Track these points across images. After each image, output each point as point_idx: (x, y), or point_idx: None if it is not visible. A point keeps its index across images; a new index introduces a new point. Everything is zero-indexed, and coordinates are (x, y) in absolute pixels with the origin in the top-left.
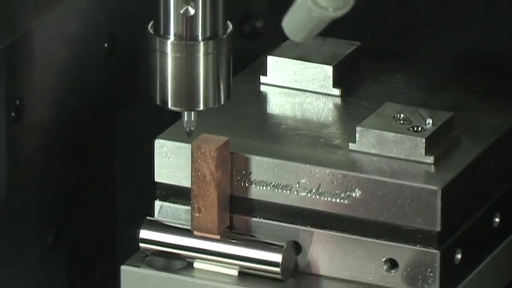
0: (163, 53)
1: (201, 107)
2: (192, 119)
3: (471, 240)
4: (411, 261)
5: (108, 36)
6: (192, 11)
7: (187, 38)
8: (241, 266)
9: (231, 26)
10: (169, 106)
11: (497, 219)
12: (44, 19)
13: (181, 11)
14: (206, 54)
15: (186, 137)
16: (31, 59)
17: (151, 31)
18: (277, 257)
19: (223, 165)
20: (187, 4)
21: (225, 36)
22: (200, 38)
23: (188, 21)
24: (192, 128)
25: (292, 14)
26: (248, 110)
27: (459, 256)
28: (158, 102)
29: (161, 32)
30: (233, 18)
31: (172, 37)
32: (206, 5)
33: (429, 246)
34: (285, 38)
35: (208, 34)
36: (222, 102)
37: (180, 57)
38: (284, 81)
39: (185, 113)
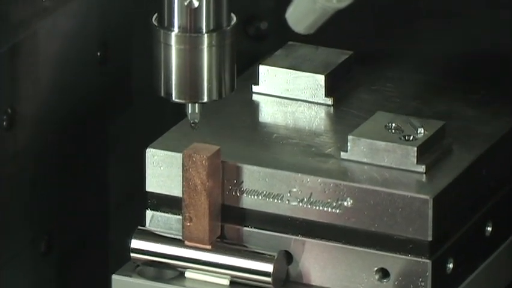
0: (167, 45)
1: (205, 99)
2: (196, 111)
3: (463, 250)
4: (403, 271)
5: (101, 44)
6: (196, 3)
7: (191, 30)
8: (232, 276)
9: (235, 19)
10: (173, 98)
11: (489, 228)
12: (35, 29)
13: (185, 3)
14: (210, 46)
15: (178, 145)
16: (23, 67)
17: (155, 23)
18: (268, 267)
19: (215, 175)
20: None
21: (228, 28)
22: (204, 30)
23: (193, 14)
24: (196, 120)
25: (296, 5)
26: (240, 119)
27: (451, 265)
28: (162, 94)
29: (166, 24)
30: (238, 20)
31: (176, 29)
32: None
33: (421, 255)
34: (289, 39)
35: (212, 26)
36: (226, 94)
37: (184, 49)
38: (276, 91)
39: (189, 105)
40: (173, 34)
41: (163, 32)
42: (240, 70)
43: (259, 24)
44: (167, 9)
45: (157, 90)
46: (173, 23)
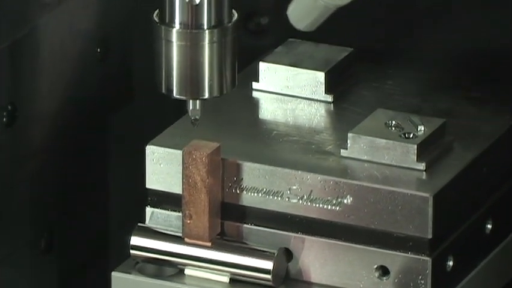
0: (169, 41)
1: (206, 96)
2: (197, 107)
3: (463, 247)
4: (403, 269)
5: (100, 41)
6: (197, 0)
7: (192, 27)
8: (232, 273)
9: (236, 15)
10: (174, 94)
11: (489, 226)
12: (35, 26)
13: (187, 0)
14: (211, 42)
15: (178, 142)
16: (23, 64)
17: (157, 19)
18: (268, 264)
19: (215, 172)
20: None
21: (230, 24)
22: (205, 27)
23: (194, 10)
24: (197, 117)
25: (297, 2)
26: (240, 115)
27: (451, 263)
28: (163, 90)
29: (167, 21)
30: (239, 15)
31: (177, 25)
32: None
33: (421, 253)
34: (290, 34)
35: (213, 22)
36: (227, 90)
37: (185, 45)
38: (276, 88)
39: (191, 101)
40: (174, 30)
41: (164, 28)
42: (241, 65)
43: (259, 19)
44: (169, 6)
45: (158, 86)
46: (175, 19)
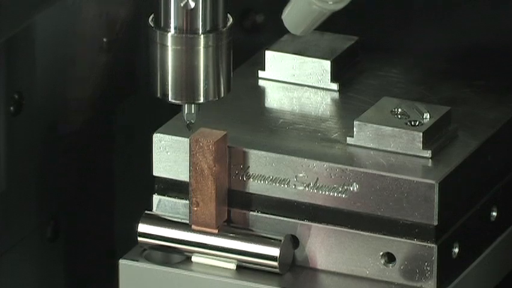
0: (164, 46)
1: (201, 100)
2: (192, 111)
3: (468, 234)
4: (409, 255)
5: (106, 31)
6: (192, 4)
7: (187, 31)
8: (239, 260)
9: (231, 20)
10: (170, 99)
11: (494, 213)
12: (42, 14)
13: (182, 4)
14: (206, 47)
15: (185, 130)
16: (30, 53)
17: (152, 24)
18: (275, 251)
19: (221, 159)
20: None
21: (225, 29)
22: (200, 31)
23: (189, 14)
24: (192, 121)
25: (292, 6)
26: (246, 104)
27: (456, 250)
28: (158, 95)
29: (162, 25)
30: (234, 12)
31: (172, 30)
32: None
33: (427, 240)
34: (285, 32)
35: (208, 27)
36: (222, 95)
37: (180, 49)
38: (282, 76)
39: (186, 105)
40: (169, 35)
41: (159, 33)
42: (236, 63)
43: (255, 17)
44: (164, 10)
45: (154, 90)
46: (170, 23)
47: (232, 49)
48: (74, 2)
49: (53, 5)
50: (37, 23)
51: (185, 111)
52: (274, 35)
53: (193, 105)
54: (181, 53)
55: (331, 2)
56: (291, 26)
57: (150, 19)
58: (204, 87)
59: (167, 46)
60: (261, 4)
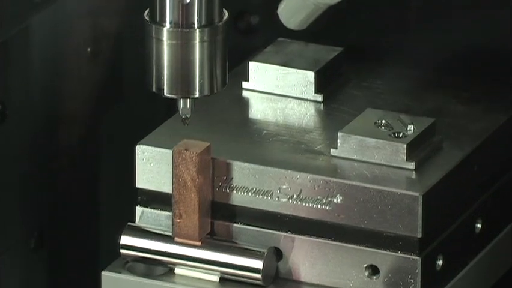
0: (159, 40)
1: (197, 94)
2: (188, 106)
3: (453, 246)
4: (393, 268)
5: (91, 40)
6: None
7: (183, 25)
8: (222, 272)
9: (226, 14)
10: (165, 93)
11: (479, 225)
12: (26, 25)
13: None
14: (202, 41)
15: (168, 142)
16: (13, 63)
17: (147, 18)
18: (258, 263)
19: (205, 171)
20: None
21: (220, 24)
22: (196, 26)
23: (184, 9)
24: (187, 115)
25: (287, 1)
26: (230, 115)
27: (440, 262)
28: (154, 89)
29: (158, 19)
30: (228, 14)
31: (168, 24)
32: None
33: (411, 252)
34: (280, 34)
35: (203, 22)
36: (217, 89)
37: (176, 44)
38: (266, 87)
39: (181, 100)
40: (165, 29)
41: (155, 27)
42: (231, 65)
43: (249, 19)
44: (159, 5)
45: (149, 85)
46: (165, 18)
47: (227, 44)
48: (59, 12)
49: (37, 15)
50: (19, 35)
51: (181, 106)
52: (269, 36)
53: (188, 100)
54: (176, 47)
55: None
56: (287, 20)
57: (146, 13)
58: (199, 81)
59: (163, 40)
60: (255, 6)
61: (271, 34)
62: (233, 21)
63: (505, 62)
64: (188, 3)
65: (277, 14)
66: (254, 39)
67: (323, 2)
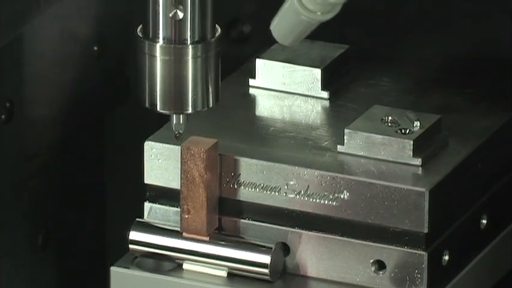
0: (152, 56)
1: (190, 110)
2: (181, 121)
3: (458, 242)
4: (399, 263)
5: (98, 39)
6: (180, 15)
7: (175, 41)
8: (230, 267)
9: (219, 30)
10: (158, 109)
11: (484, 221)
12: (33, 23)
13: (170, 15)
14: (195, 57)
15: (175, 139)
16: (21, 61)
17: (140, 34)
18: (265, 259)
19: (212, 167)
20: (176, 8)
21: (213, 39)
22: (189, 42)
23: (177, 25)
24: (180, 131)
25: (280, 17)
26: (237, 112)
27: (446, 257)
28: (147, 105)
29: (151, 35)
30: (221, 22)
31: (161, 40)
32: (195, 9)
33: (417, 247)
34: (272, 42)
35: (196, 37)
36: (211, 105)
37: (169, 60)
38: (273, 84)
39: (174, 116)
40: (158, 45)
41: (148, 43)
42: (223, 73)
43: (242, 27)
44: (152, 21)
45: (142, 100)
46: (158, 34)
47: (220, 59)
48: (66, 10)
49: (42, 15)
50: (27, 33)
51: (174, 122)
52: (261, 45)
53: (181, 116)
54: (169, 63)
55: (319, 13)
56: (280, 37)
57: (138, 29)
58: (192, 97)
59: (156, 56)
60: (248, 14)
61: (263, 43)
62: (225, 30)
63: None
64: (181, 19)
65: (269, 23)
66: (246, 48)
67: (316, 19)
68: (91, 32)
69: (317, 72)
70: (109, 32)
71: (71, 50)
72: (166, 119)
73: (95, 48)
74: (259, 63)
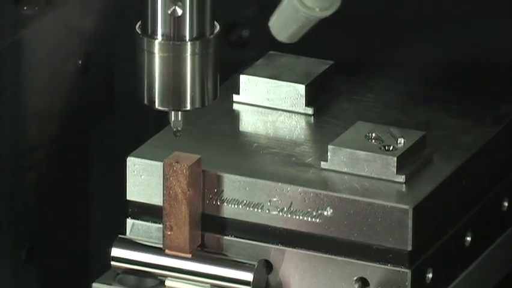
0: (151, 53)
1: (188, 107)
2: (179, 118)
3: (443, 259)
4: (383, 281)
5: (82, 53)
6: (179, 12)
7: (174, 38)
8: (212, 285)
9: (218, 27)
10: (156, 106)
11: (468, 238)
12: (16, 37)
13: (169, 12)
14: (193, 54)
15: (159, 154)
16: (3, 76)
17: (139, 31)
18: (248, 276)
19: (195, 184)
20: (175, 4)
21: (212, 36)
22: (187, 38)
23: (176, 22)
24: (178, 128)
25: (278, 13)
26: (220, 128)
27: (430, 275)
28: (145, 101)
29: (149, 32)
30: (220, 27)
31: (159, 37)
32: (193, 6)
33: (401, 265)
34: (271, 47)
35: (195, 34)
36: (209, 102)
37: (167, 56)
38: (257, 100)
39: (172, 112)
40: (156, 42)
41: (147, 40)
42: (222, 77)
43: (241, 32)
44: (151, 17)
45: (140, 97)
46: (157, 30)
47: (219, 56)
48: (50, 24)
49: (25, 29)
50: (10, 48)
51: (172, 119)
52: (260, 49)
53: (179, 113)
54: (168, 60)
55: (318, 9)
56: (278, 33)
57: (137, 26)
58: (190, 94)
59: (154, 53)
60: (246, 19)
61: (262, 47)
62: (224, 34)
63: (495, 75)
64: (179, 16)
65: (268, 28)
66: (245, 52)
67: (314, 15)
68: (75, 47)
69: (301, 88)
70: (93, 47)
71: (55, 65)
72: (150, 134)
73: (80, 62)
74: (243, 78)
